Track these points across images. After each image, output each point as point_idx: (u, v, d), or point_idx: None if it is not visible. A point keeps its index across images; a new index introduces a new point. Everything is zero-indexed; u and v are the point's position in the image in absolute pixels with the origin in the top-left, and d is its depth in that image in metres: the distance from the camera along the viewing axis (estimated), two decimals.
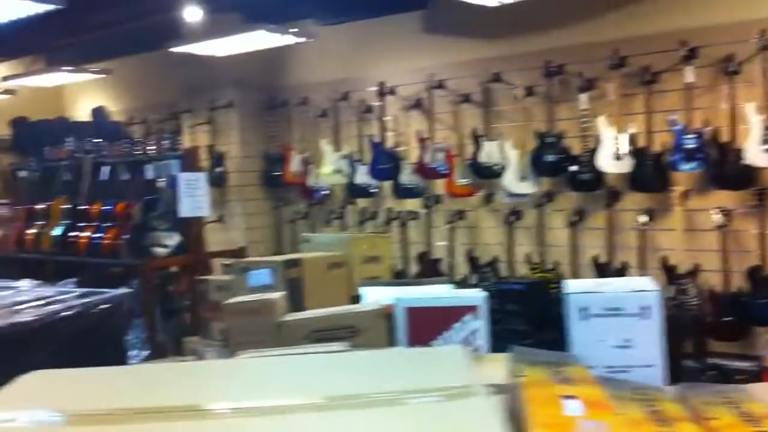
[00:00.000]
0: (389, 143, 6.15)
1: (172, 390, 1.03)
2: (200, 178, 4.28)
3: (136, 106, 7.77)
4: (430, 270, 5.88)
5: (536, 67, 5.35)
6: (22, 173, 5.51)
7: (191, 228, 4.39)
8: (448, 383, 0.88)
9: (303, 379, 1.07)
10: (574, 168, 5.14)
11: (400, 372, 1.05)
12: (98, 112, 5.31)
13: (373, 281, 3.24)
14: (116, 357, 2.60)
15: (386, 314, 2.08)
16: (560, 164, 5.22)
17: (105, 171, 4.86)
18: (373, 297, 2.29)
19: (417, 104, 6.07)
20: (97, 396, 1.02)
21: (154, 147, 4.62)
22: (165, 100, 7.41)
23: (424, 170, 5.91)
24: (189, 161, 4.36)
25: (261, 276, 3.87)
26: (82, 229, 4.76)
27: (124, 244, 4.41)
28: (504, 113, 5.65)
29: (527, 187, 5.41)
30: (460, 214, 5.83)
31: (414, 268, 6.01)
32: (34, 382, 1.11)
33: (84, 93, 8.84)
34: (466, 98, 5.78)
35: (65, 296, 2.50)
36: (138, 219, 4.40)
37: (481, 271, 5.64)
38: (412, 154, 6.04)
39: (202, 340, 4.12)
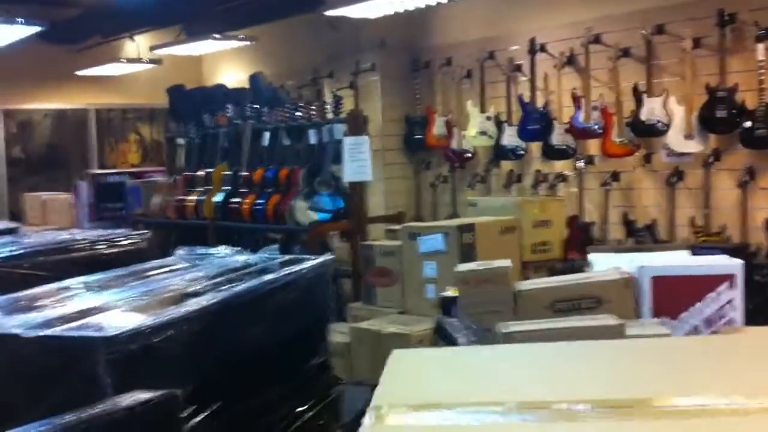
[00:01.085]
0: (539, 103, 5.93)
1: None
2: (364, 142, 4.21)
3: (275, 72, 7.78)
4: (580, 234, 5.65)
5: (705, 17, 5.00)
6: (180, 141, 5.59)
7: (353, 193, 4.34)
8: None
9: None
10: (748, 124, 4.81)
11: None
12: (256, 78, 5.31)
13: (599, 247, 3.08)
14: (322, 326, 2.55)
15: (631, 284, 1.94)
16: (733, 120, 4.88)
17: (265, 137, 4.86)
18: (603, 264, 2.14)
19: (570, 61, 5.81)
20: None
21: (316, 111, 4.58)
22: (306, 65, 7.40)
23: (577, 130, 5.67)
24: (353, 125, 4.30)
25: (433, 241, 3.78)
26: (244, 196, 4.78)
27: (289, 209, 4.40)
28: (668, 67, 5.33)
29: (693, 146, 5.10)
30: (614, 176, 5.57)
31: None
32: (425, 365, 1.00)
33: (223, 61, 8.96)
34: (626, 53, 5.48)
35: (271, 264, 2.46)
36: (302, 184, 4.38)
37: (638, 235, 5.39)
38: (563, 113, 5.80)
39: (365, 306, 4.09)
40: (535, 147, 6.05)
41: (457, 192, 6.54)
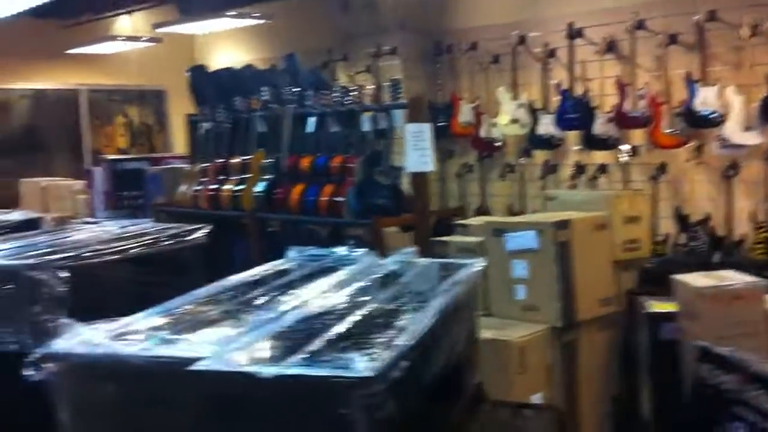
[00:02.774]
0: (578, 91, 5.66)
1: None
2: (425, 130, 3.88)
3: (280, 54, 7.37)
4: None
5: (762, 4, 4.78)
6: (205, 125, 5.16)
7: (416, 184, 4.01)
8: None
9: None
10: None
11: None
12: (292, 58, 4.93)
13: None
14: (476, 337, 2.25)
15: None
16: None
17: (311, 122, 4.48)
18: None
19: (611, 47, 5.55)
20: None
21: (371, 96, 4.23)
22: (315, 48, 6.99)
23: (623, 119, 5.41)
24: (414, 111, 3.96)
25: (524, 239, 3.48)
26: (290, 185, 4.39)
27: (346, 201, 4.05)
28: (720, 56, 5.10)
29: (752, 138, 4.88)
30: (662, 168, 5.34)
31: None
32: None
33: (217, 42, 8.52)
34: (674, 40, 5.24)
35: (426, 269, 2.16)
36: (360, 174, 4.04)
37: (691, 231, 5.16)
38: (605, 102, 5.55)
39: None
40: (572, 137, 5.79)
41: (485, 182, 6.26)
